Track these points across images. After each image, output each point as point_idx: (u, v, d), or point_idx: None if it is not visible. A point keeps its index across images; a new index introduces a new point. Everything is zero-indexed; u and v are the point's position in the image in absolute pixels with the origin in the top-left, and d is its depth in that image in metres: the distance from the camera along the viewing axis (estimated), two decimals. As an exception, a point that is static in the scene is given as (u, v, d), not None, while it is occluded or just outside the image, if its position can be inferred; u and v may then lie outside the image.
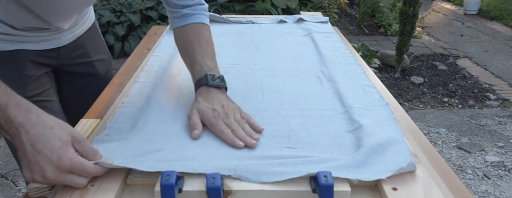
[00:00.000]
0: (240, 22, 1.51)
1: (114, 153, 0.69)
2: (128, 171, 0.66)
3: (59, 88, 1.08)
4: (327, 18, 1.54)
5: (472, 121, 2.77)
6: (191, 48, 0.93)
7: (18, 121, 0.60)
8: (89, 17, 1.13)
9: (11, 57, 0.90)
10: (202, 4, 1.00)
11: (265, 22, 1.51)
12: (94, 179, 0.64)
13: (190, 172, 0.64)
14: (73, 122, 0.78)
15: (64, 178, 0.60)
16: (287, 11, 3.79)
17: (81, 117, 0.86)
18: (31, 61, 0.95)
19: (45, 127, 0.61)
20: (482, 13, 5.37)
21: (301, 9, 3.87)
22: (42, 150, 0.59)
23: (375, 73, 2.99)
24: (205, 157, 0.69)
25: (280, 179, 0.63)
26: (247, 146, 0.72)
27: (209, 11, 1.23)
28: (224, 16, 1.53)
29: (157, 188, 0.60)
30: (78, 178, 0.61)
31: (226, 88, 0.88)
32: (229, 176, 0.64)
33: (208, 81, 0.86)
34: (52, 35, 0.98)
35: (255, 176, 0.64)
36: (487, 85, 3.31)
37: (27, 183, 0.93)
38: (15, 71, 0.92)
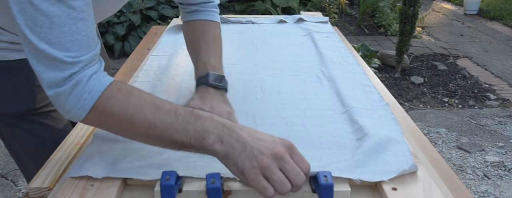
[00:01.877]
0: (240, 22, 1.51)
1: (118, 156, 0.69)
2: (128, 171, 0.66)
3: None
4: (327, 18, 1.54)
5: (472, 121, 2.77)
6: (197, 45, 0.92)
7: (229, 123, 0.62)
8: None
9: (19, 66, 0.87)
10: (211, 1, 0.98)
11: (265, 22, 1.51)
12: (94, 179, 0.64)
13: (191, 171, 0.64)
14: None
15: (283, 164, 0.58)
16: (287, 11, 3.79)
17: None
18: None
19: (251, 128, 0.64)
20: (482, 13, 5.37)
21: (301, 9, 3.87)
22: (262, 136, 0.61)
23: (375, 73, 2.99)
24: (206, 160, 0.69)
25: None
26: None
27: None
28: (224, 16, 1.53)
29: (157, 188, 0.60)
30: (283, 183, 0.58)
31: (226, 90, 0.86)
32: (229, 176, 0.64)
33: (208, 81, 0.84)
34: None
35: None
36: (487, 85, 3.31)
37: (28, 181, 0.94)
38: (23, 81, 0.89)
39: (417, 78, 3.38)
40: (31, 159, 0.98)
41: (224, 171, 0.65)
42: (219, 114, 0.74)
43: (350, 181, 0.64)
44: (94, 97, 0.60)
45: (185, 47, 1.21)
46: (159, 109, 0.62)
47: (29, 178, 1.03)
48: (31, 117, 0.91)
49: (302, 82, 1.02)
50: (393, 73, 3.45)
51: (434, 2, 6.12)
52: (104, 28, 3.56)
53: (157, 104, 0.63)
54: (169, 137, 0.61)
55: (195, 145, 0.61)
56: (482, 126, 2.71)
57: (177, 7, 3.83)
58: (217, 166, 0.67)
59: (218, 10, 1.00)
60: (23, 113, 0.90)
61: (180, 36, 1.29)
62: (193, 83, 1.01)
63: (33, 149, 0.94)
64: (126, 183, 0.65)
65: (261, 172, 0.58)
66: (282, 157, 0.58)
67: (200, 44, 0.91)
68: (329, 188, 0.59)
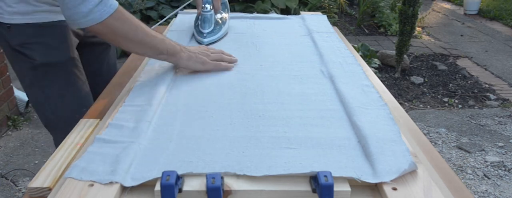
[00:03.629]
0: (243, 18, 1.53)
1: (119, 159, 0.69)
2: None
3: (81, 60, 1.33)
4: (325, 16, 1.54)
5: (472, 121, 2.78)
6: None
7: (182, 45, 1.03)
8: None
9: (59, 26, 1.16)
10: None
11: (265, 22, 1.51)
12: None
13: (191, 171, 0.65)
14: (94, 88, 1.23)
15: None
16: (287, 11, 3.78)
17: (98, 83, 1.25)
18: (69, 29, 1.21)
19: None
20: (482, 13, 5.37)
21: (301, 9, 3.87)
22: (195, 49, 1.06)
23: (375, 73, 2.99)
24: (206, 160, 0.69)
25: (282, 173, 0.64)
26: None
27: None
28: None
29: (157, 188, 0.60)
30: (220, 57, 1.07)
31: None
32: (229, 176, 0.65)
33: None
34: None
35: (258, 171, 0.65)
36: (487, 85, 3.31)
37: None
38: (62, 37, 1.18)
39: (417, 78, 3.38)
40: (65, 110, 1.22)
41: (225, 171, 0.65)
42: None
43: (350, 181, 0.64)
44: (115, 6, 0.91)
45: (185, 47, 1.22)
46: (148, 28, 0.98)
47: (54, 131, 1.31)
48: (69, 65, 1.20)
49: (302, 82, 1.02)
50: (393, 73, 3.45)
51: (434, 2, 6.12)
52: (104, 28, 3.55)
53: (145, 25, 0.98)
54: (154, 44, 0.98)
55: (169, 52, 0.99)
56: (482, 126, 2.71)
57: (177, 7, 3.83)
58: (217, 166, 0.67)
59: None
60: (67, 60, 1.19)
61: (181, 36, 1.29)
62: (194, 82, 1.01)
63: (65, 93, 1.21)
64: (126, 183, 0.65)
65: (208, 58, 1.05)
66: (207, 50, 1.08)
67: None
68: (329, 188, 0.59)
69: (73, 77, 1.22)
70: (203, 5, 1.28)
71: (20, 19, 1.13)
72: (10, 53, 1.19)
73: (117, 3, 0.93)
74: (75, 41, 1.24)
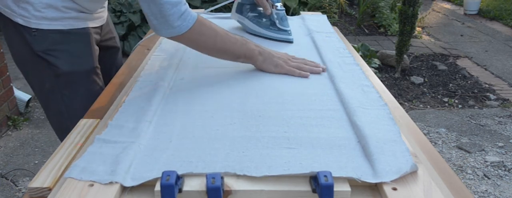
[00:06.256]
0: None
1: (119, 159, 0.69)
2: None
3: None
4: (325, 16, 1.54)
5: (472, 121, 2.78)
6: None
7: (261, 46, 1.09)
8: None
9: (84, 33, 1.16)
10: None
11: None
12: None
13: (191, 171, 0.65)
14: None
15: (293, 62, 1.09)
16: (287, 11, 3.78)
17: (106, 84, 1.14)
18: (93, 36, 1.20)
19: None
20: (482, 13, 5.37)
21: (300, 9, 3.87)
22: (277, 52, 1.11)
23: (375, 73, 2.99)
24: (206, 160, 0.69)
25: (282, 173, 0.64)
26: None
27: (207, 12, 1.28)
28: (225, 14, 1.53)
29: (157, 188, 0.60)
30: (298, 65, 1.08)
31: None
32: (229, 176, 0.65)
33: None
34: (99, 13, 1.23)
35: (258, 171, 0.65)
36: (487, 85, 3.31)
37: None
38: (87, 45, 1.17)
39: (417, 78, 3.38)
40: (80, 114, 1.15)
41: (225, 171, 0.65)
42: None
43: (350, 181, 0.64)
44: (194, 19, 0.97)
45: (186, 47, 1.22)
46: (227, 34, 1.03)
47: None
48: (91, 74, 1.19)
49: (302, 82, 1.02)
50: (393, 73, 3.45)
51: (434, 2, 6.12)
52: (104, 28, 3.55)
53: (225, 31, 1.04)
54: (233, 50, 1.04)
55: (247, 56, 1.06)
56: (482, 126, 2.71)
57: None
58: (217, 166, 0.67)
59: None
60: (90, 69, 1.18)
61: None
62: (194, 82, 1.01)
63: (87, 104, 1.11)
64: (126, 183, 0.65)
65: (286, 64, 1.07)
66: (290, 58, 1.11)
67: None
68: (329, 188, 0.59)
69: (95, 86, 1.19)
70: (275, 4, 1.31)
71: (47, 25, 1.10)
72: (29, 58, 1.14)
73: (195, 15, 0.97)
74: (96, 49, 1.21)
